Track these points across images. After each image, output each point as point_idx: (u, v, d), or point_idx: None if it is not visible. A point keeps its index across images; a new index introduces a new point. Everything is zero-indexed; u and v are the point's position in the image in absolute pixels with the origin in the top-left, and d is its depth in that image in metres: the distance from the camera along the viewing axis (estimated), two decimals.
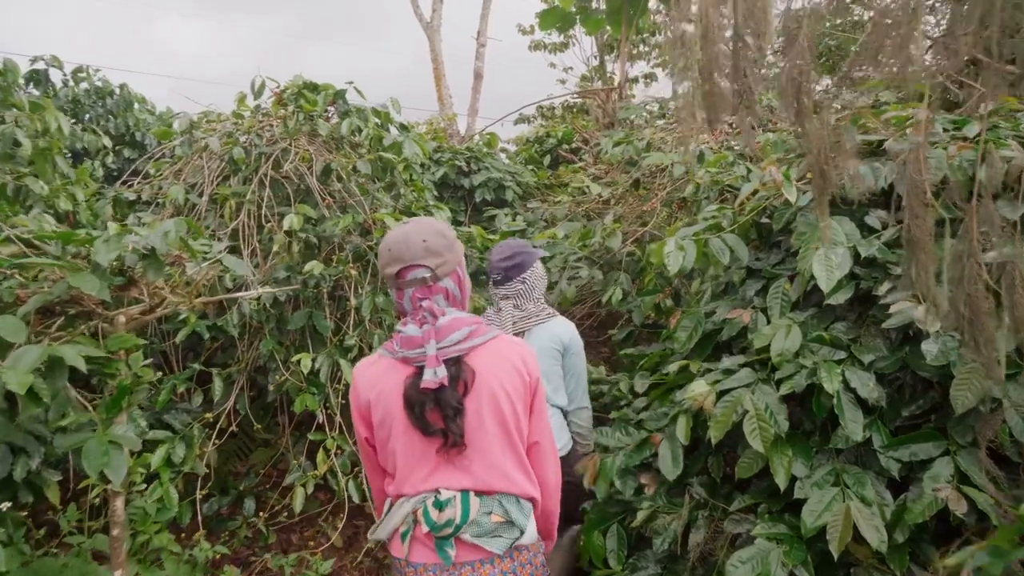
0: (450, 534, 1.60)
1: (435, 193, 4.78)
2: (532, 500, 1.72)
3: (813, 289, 2.57)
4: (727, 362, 2.58)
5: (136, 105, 5.68)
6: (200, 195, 3.63)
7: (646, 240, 4.19)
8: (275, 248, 3.19)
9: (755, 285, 2.85)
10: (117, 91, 5.56)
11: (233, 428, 3.38)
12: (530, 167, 7.32)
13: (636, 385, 3.35)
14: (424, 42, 12.73)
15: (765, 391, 2.37)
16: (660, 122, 5.23)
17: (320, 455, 3.26)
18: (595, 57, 13.26)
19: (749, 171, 3.79)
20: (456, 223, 6.17)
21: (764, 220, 3.07)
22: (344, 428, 3.40)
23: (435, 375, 1.54)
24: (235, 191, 3.54)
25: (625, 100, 6.81)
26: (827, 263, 2.42)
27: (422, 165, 6.46)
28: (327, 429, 3.34)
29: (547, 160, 8.29)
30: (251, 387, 3.59)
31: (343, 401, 3.38)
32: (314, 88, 3.72)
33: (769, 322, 2.67)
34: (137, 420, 2.78)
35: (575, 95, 8.07)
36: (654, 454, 2.68)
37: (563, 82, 14.50)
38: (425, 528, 1.60)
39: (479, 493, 1.63)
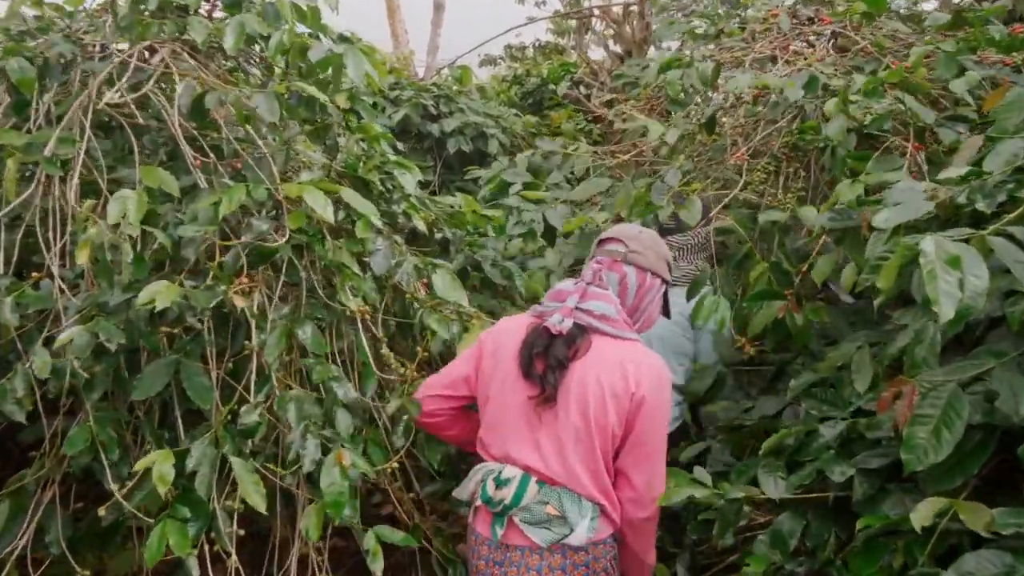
0: (499, 512, 1.63)
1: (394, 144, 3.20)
2: (597, 502, 1.64)
3: None
4: None
5: None
6: None
7: (726, 205, 2.68)
8: (80, 259, 1.60)
9: None
10: None
11: None
12: (514, 112, 5.73)
13: (764, 485, 1.90)
14: None
15: None
16: (710, 47, 3.70)
17: None
18: None
19: (904, 106, 2.30)
20: (423, 184, 4.56)
21: None
22: None
23: (560, 321, 1.60)
24: (30, 140, 1.91)
25: (648, 18, 5.23)
26: None
27: (374, 104, 4.81)
28: None
29: (530, 102, 6.71)
30: (80, 495, 2.02)
31: (241, 532, 1.85)
32: None
33: None
34: None
35: (589, 11, 6.27)
36: None
37: (532, 19, 12.86)
38: (478, 501, 1.67)
39: (542, 481, 1.62)
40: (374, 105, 5.02)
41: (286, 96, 1.94)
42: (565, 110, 5.94)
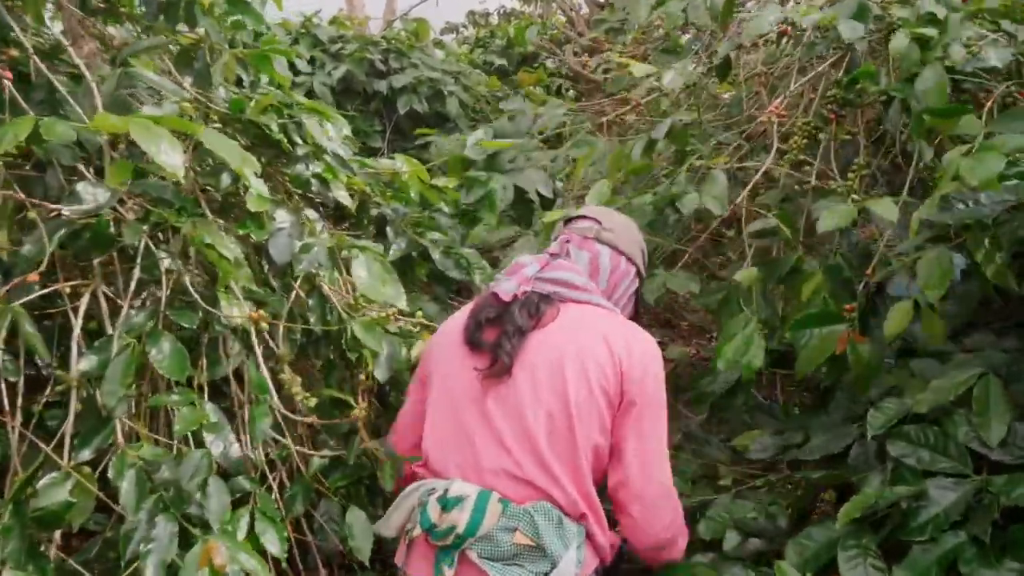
0: (450, 546, 1.25)
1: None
2: (582, 519, 1.29)
3: None
4: None
5: None
6: None
7: (764, 188, 2.02)
8: None
9: None
10: None
11: None
12: (476, 70, 5.02)
13: None
14: None
15: None
16: None
17: None
18: None
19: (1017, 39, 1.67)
20: (369, 151, 3.84)
21: None
22: None
23: (514, 286, 1.34)
24: None
25: None
26: None
27: (312, 60, 4.06)
28: None
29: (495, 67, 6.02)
30: None
31: None
32: None
33: None
34: None
35: None
36: None
37: None
38: (418, 531, 1.28)
39: (506, 499, 1.26)
40: (312, 61, 4.28)
41: None
42: (536, 72, 5.26)
